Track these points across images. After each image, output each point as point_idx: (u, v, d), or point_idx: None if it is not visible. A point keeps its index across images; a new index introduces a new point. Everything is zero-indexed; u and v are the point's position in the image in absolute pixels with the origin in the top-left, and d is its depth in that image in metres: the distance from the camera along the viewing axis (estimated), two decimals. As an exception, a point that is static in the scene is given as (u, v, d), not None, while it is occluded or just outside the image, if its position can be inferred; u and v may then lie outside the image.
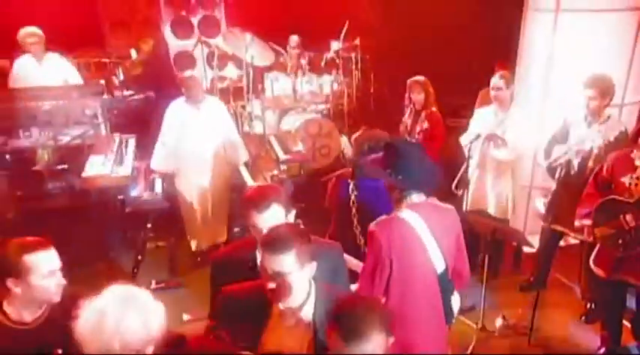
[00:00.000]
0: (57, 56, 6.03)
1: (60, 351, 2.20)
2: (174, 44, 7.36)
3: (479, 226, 4.40)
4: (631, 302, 4.20)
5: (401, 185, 2.71)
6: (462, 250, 2.87)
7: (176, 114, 5.03)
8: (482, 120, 4.85)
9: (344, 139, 4.40)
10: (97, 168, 4.65)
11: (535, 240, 4.85)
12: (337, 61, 6.68)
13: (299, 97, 6.36)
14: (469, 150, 4.62)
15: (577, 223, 3.95)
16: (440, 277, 2.77)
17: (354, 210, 3.60)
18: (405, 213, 2.67)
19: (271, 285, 2.03)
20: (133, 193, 4.77)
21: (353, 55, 6.51)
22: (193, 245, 5.27)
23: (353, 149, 3.73)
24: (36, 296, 2.21)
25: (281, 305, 2.12)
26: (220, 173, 5.24)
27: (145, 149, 5.47)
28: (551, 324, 4.54)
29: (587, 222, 3.85)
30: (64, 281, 2.23)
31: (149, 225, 4.65)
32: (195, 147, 5.05)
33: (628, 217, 3.58)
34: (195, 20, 7.56)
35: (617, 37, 4.98)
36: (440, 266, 2.74)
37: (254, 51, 6.18)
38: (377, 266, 2.70)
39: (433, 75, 5.46)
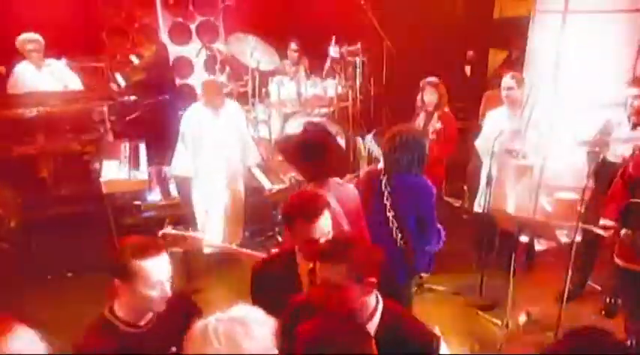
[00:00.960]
0: (56, 62, 5.79)
1: (174, 349, 2.08)
2: (174, 50, 7.09)
3: (505, 222, 4.28)
4: None
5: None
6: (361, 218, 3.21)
7: (195, 118, 4.85)
8: (495, 121, 4.78)
9: (367, 138, 4.27)
10: (114, 172, 4.42)
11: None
12: (340, 64, 6.53)
13: (304, 101, 6.17)
14: (492, 149, 4.48)
15: (602, 222, 3.87)
16: None
17: (388, 206, 3.49)
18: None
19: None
20: (150, 198, 4.53)
21: (356, 58, 6.33)
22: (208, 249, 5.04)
23: (385, 145, 3.55)
24: (138, 303, 2.05)
25: None
26: (236, 176, 5.08)
27: (154, 153, 5.27)
28: (574, 319, 4.41)
29: (610, 223, 3.78)
30: (169, 294, 2.06)
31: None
32: (213, 151, 4.88)
33: None
34: (193, 26, 7.32)
35: (624, 37, 4.98)
36: None
37: (259, 55, 6.01)
38: None
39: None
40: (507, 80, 4.67)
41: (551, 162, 4.90)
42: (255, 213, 5.56)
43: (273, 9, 7.03)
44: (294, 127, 6.05)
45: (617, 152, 4.23)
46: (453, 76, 7.21)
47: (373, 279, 1.98)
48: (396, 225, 3.49)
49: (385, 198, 3.49)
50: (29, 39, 5.49)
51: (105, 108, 5.29)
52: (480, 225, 4.77)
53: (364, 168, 4.99)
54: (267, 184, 4.88)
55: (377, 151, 4.25)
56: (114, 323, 2.07)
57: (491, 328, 4.36)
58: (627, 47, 5.02)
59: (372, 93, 6.81)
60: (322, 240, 2.26)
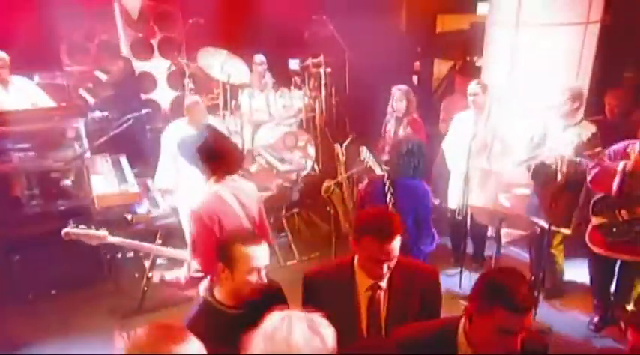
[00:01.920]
0: (23, 79, 5.46)
1: None
2: (137, 65, 6.91)
3: (484, 217, 4.46)
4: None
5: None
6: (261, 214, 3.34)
7: (178, 135, 4.70)
8: (463, 124, 4.91)
9: (363, 150, 4.32)
10: (104, 187, 4.25)
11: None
12: (304, 76, 6.61)
13: (272, 112, 6.16)
14: (469, 150, 4.62)
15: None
16: None
17: (390, 207, 3.53)
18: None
19: None
20: (139, 210, 4.38)
21: (320, 70, 6.42)
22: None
23: (392, 152, 3.70)
24: (236, 287, 2.16)
25: None
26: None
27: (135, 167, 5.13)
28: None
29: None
30: (264, 281, 2.19)
31: (159, 241, 4.26)
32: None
33: (623, 212, 3.82)
34: (154, 42, 7.17)
35: (569, 48, 5.27)
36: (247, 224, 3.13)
37: (230, 68, 5.96)
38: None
39: (385, 87, 5.51)
40: (473, 86, 4.80)
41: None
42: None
43: (238, 25, 6.97)
44: (264, 137, 6.05)
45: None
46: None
47: None
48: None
49: (388, 200, 3.56)
50: None
51: (81, 125, 5.08)
52: (459, 222, 4.91)
53: (343, 174, 5.05)
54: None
55: (372, 162, 4.30)
56: (214, 304, 2.22)
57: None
58: (571, 57, 5.31)
59: (335, 103, 6.87)
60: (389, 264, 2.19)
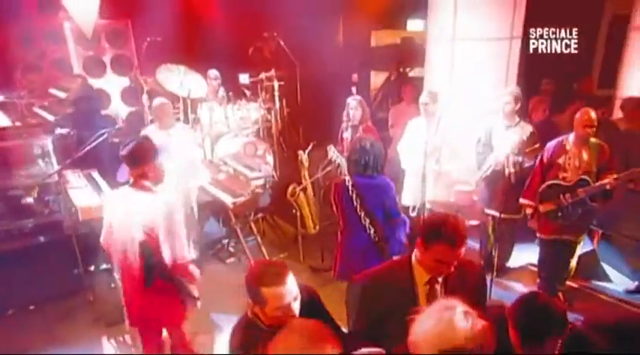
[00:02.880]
0: None
1: None
2: (93, 82, 6.77)
3: (441, 209, 4.76)
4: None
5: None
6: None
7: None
8: (416, 129, 5.15)
9: (332, 151, 4.49)
10: (85, 199, 4.19)
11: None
12: (257, 89, 6.74)
13: (231, 124, 6.24)
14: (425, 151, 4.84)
15: (522, 200, 4.51)
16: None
17: (357, 206, 3.73)
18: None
19: None
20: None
21: (273, 83, 6.57)
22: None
23: (349, 152, 3.86)
24: (270, 320, 2.09)
25: None
26: (189, 193, 5.03)
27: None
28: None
29: (527, 201, 4.44)
30: (295, 314, 2.08)
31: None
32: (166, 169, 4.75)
33: (567, 195, 4.19)
34: (106, 59, 7.05)
35: (500, 60, 5.69)
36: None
37: (190, 83, 6.00)
38: None
39: (331, 97, 5.77)
40: (424, 97, 5.03)
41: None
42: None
43: (192, 42, 6.99)
44: (224, 147, 6.11)
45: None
46: (343, 96, 7.75)
47: None
48: (367, 221, 3.74)
49: (354, 200, 3.72)
50: None
51: (48, 142, 4.96)
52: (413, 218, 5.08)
53: (307, 179, 5.23)
54: (227, 199, 4.89)
55: (340, 160, 4.48)
56: (256, 323, 2.13)
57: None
58: (500, 67, 5.75)
59: (287, 113, 7.04)
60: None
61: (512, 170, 4.68)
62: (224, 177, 5.27)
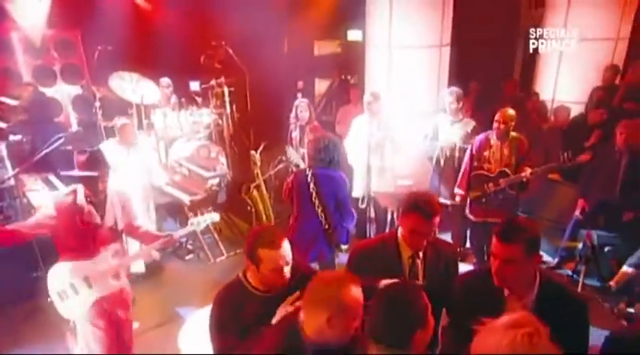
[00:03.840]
0: None
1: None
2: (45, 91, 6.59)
3: (386, 200, 5.00)
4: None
5: None
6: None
7: (109, 152, 4.66)
8: (361, 126, 5.34)
9: (290, 151, 4.62)
10: (44, 201, 4.09)
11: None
12: (208, 95, 6.77)
13: (184, 128, 6.24)
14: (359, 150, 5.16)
15: (456, 190, 4.82)
16: None
17: (313, 195, 3.90)
18: None
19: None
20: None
21: (224, 89, 6.62)
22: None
23: (310, 148, 4.01)
24: (262, 278, 2.22)
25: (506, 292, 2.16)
26: (148, 196, 5.03)
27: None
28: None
29: (461, 191, 4.77)
30: (287, 277, 2.21)
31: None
32: (127, 177, 4.71)
33: (490, 185, 4.56)
34: (56, 68, 6.88)
35: (432, 65, 5.98)
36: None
37: (143, 90, 5.96)
38: None
39: (278, 102, 5.89)
40: (367, 96, 5.24)
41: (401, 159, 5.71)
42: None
43: (143, 51, 6.92)
44: (178, 151, 6.10)
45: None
46: (290, 101, 7.90)
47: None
48: (320, 209, 3.91)
49: (311, 189, 3.88)
50: None
51: (2, 148, 4.81)
52: (363, 209, 5.30)
53: (260, 177, 5.33)
54: (185, 198, 4.91)
55: (296, 159, 4.62)
56: (246, 286, 2.28)
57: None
58: (432, 71, 6.05)
59: (238, 117, 7.10)
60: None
61: (457, 155, 5.04)
62: (180, 178, 5.30)
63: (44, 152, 4.41)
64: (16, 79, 6.52)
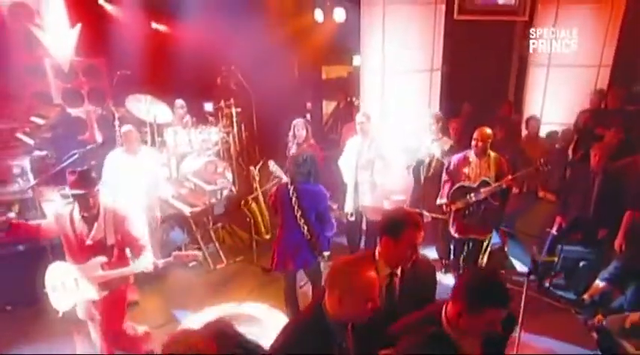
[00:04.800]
0: None
1: None
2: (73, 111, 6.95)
3: (373, 214, 5.08)
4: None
5: None
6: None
7: (115, 161, 4.94)
8: (352, 146, 5.41)
9: (272, 165, 4.77)
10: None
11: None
12: (218, 115, 7.02)
13: (194, 145, 6.45)
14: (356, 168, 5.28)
15: (439, 201, 4.83)
16: None
17: (295, 207, 3.99)
18: None
19: None
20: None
21: (232, 110, 6.86)
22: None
23: (290, 163, 4.12)
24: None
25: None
26: (153, 206, 5.20)
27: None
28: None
29: (444, 200, 4.76)
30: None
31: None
32: (131, 187, 4.94)
33: (472, 195, 4.55)
34: (84, 91, 7.24)
35: (423, 88, 6.11)
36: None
37: (156, 111, 6.23)
38: None
39: (286, 122, 6.06)
40: (359, 117, 5.32)
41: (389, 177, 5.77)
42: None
43: (160, 75, 7.25)
44: (188, 166, 6.32)
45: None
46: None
47: None
48: (302, 220, 4.00)
49: (293, 202, 3.98)
50: None
51: (25, 163, 5.11)
52: (353, 222, 5.46)
53: (258, 190, 5.49)
54: (186, 209, 5.11)
55: (279, 172, 4.74)
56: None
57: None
58: (423, 94, 6.18)
59: (245, 136, 7.32)
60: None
61: (434, 164, 5.21)
62: (186, 192, 5.49)
63: (60, 166, 4.70)
64: (46, 100, 6.91)
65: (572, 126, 6.11)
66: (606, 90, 6.26)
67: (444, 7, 6.01)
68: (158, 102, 6.30)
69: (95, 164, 5.23)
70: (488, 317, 1.96)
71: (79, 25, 6.82)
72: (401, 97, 6.05)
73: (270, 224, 5.69)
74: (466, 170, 4.66)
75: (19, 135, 6.42)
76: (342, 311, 2.05)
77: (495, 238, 5.59)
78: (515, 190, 5.71)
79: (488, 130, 4.58)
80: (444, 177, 4.81)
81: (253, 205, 5.43)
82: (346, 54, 9.11)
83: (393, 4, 5.81)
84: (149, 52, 7.31)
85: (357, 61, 9.44)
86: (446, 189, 4.76)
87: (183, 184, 5.74)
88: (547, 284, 4.95)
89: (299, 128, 5.65)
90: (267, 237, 5.73)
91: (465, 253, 4.96)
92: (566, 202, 5.02)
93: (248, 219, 5.49)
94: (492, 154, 4.62)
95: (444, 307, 2.12)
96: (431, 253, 5.71)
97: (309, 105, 9.48)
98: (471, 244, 4.85)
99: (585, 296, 4.64)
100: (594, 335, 4.26)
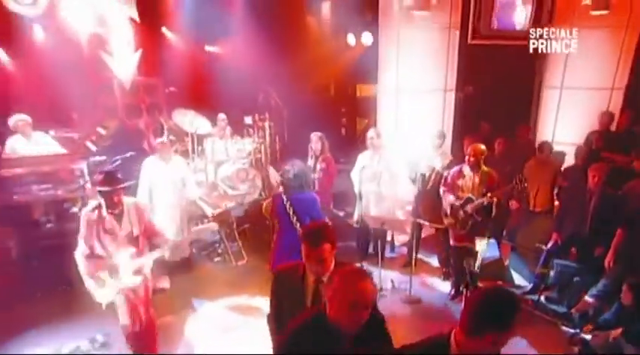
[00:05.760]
0: (41, 134, 5.95)
1: None
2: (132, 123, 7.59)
3: (372, 221, 5.18)
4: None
5: None
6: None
7: (150, 167, 5.34)
8: (364, 160, 5.54)
9: (271, 171, 4.99)
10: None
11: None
12: (254, 128, 7.36)
13: (230, 154, 6.81)
14: (360, 180, 5.39)
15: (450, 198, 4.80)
16: None
17: (291, 213, 4.04)
18: None
19: None
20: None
21: (265, 123, 7.18)
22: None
23: (282, 176, 4.20)
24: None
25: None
26: (183, 207, 5.54)
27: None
28: (422, 283, 5.36)
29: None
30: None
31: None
32: (164, 190, 5.34)
33: (461, 212, 4.61)
34: (144, 106, 7.86)
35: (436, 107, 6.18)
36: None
37: (197, 123, 6.67)
38: None
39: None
40: (371, 133, 5.44)
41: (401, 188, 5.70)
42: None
43: (204, 92, 7.74)
44: (224, 172, 6.68)
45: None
46: (334, 135, 8.26)
47: None
48: (298, 224, 4.03)
49: (288, 209, 4.04)
50: (20, 118, 5.66)
51: (84, 166, 5.66)
52: (360, 228, 5.55)
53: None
54: (208, 211, 5.46)
55: (275, 177, 4.91)
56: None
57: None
58: (437, 113, 6.21)
59: (278, 147, 7.61)
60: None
61: (433, 177, 5.21)
62: (216, 195, 5.83)
63: (107, 169, 5.17)
64: (112, 113, 7.56)
65: (583, 145, 5.87)
66: (619, 112, 5.95)
67: (458, 32, 6.02)
68: (199, 116, 6.74)
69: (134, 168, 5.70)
70: (489, 340, 1.82)
71: (140, 50, 7.42)
72: (415, 116, 6.10)
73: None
74: (460, 182, 4.68)
75: (88, 143, 7.10)
76: (338, 318, 2.03)
77: (495, 251, 5.51)
78: (516, 205, 5.62)
79: (482, 146, 4.59)
80: (442, 188, 4.83)
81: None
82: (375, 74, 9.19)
83: (408, 28, 5.88)
84: (199, 72, 7.83)
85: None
86: (447, 199, 4.76)
87: (217, 188, 6.10)
88: (537, 297, 4.79)
89: (315, 142, 5.78)
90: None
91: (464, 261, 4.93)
92: (562, 220, 4.87)
93: (267, 222, 5.72)
94: (485, 169, 4.61)
95: (454, 330, 1.96)
96: (433, 261, 5.77)
97: (343, 120, 9.64)
98: (463, 251, 4.81)
99: (573, 311, 4.49)
100: (575, 349, 4.13)
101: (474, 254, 4.77)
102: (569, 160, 5.77)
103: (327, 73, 9.07)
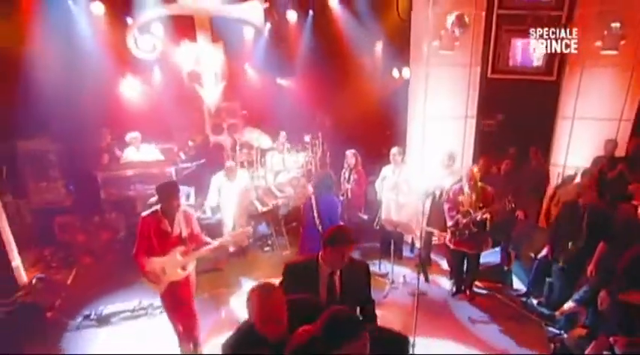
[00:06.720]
0: (146, 145, 7.09)
1: None
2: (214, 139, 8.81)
3: (387, 224, 5.71)
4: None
5: None
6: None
7: (218, 182, 6.21)
8: (386, 172, 6.10)
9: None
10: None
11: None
12: (309, 145, 8.18)
13: (286, 165, 7.63)
14: (381, 189, 6.00)
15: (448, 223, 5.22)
16: None
17: (315, 216, 4.69)
18: None
19: None
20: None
21: (317, 141, 8.00)
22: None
23: (321, 177, 4.91)
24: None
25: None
26: (244, 207, 6.44)
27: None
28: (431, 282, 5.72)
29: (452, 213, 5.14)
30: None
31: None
32: (229, 195, 6.21)
33: (459, 224, 5.01)
34: (225, 125, 9.05)
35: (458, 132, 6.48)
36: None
37: (262, 140, 7.65)
38: None
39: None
40: (394, 150, 5.97)
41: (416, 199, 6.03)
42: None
43: (269, 115, 8.78)
44: (280, 180, 7.54)
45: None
46: (375, 152, 8.75)
47: None
48: (319, 221, 4.69)
49: (313, 209, 4.71)
50: (132, 136, 6.91)
51: (172, 170, 6.83)
52: (382, 230, 6.03)
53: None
54: (259, 207, 6.38)
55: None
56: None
57: (384, 284, 5.54)
58: (458, 137, 6.51)
59: (328, 160, 8.35)
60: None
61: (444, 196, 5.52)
62: (268, 196, 6.73)
63: (183, 174, 6.28)
64: (200, 130, 8.83)
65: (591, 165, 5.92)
66: (628, 139, 5.95)
67: (479, 68, 6.35)
68: (264, 134, 7.71)
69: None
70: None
71: (224, 82, 8.59)
72: (439, 139, 6.40)
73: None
74: (460, 198, 5.07)
75: (180, 153, 8.38)
76: (262, 330, 2.12)
77: (496, 257, 5.77)
78: (522, 216, 5.84)
79: (475, 169, 4.97)
80: (446, 204, 5.20)
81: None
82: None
83: (434, 65, 6.31)
84: (269, 99, 8.89)
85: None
86: (452, 213, 5.11)
87: (270, 192, 7.00)
88: (526, 299, 5.03)
89: (349, 157, 6.43)
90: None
91: (465, 264, 5.32)
92: (555, 233, 5.01)
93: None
94: (480, 185, 4.95)
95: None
96: (443, 263, 6.13)
97: (388, 132, 10.06)
98: (461, 255, 5.24)
99: (557, 313, 4.67)
100: (551, 345, 4.35)
101: (470, 258, 5.19)
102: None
103: (374, 101, 9.66)
